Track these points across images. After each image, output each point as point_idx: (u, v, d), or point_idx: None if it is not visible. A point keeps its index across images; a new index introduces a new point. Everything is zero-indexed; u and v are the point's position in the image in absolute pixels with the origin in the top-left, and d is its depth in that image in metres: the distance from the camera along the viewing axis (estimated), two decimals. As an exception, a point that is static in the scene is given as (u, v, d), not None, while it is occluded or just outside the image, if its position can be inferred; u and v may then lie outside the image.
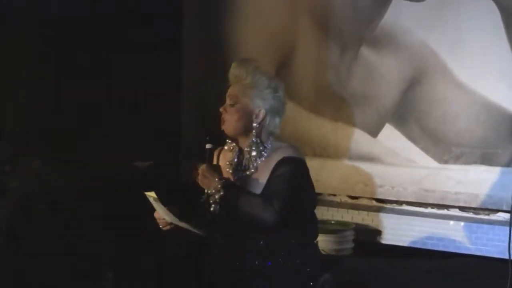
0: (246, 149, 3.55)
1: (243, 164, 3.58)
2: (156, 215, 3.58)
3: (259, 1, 5.43)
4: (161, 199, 3.48)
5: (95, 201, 4.21)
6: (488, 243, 4.61)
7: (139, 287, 4.36)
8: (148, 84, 5.40)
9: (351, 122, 5.06)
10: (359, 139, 5.03)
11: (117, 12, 5.27)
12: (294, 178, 3.46)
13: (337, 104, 5.10)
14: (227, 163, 3.61)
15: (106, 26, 5.21)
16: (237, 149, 3.62)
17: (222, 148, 3.68)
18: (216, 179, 3.40)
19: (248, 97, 3.53)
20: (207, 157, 3.48)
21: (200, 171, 3.42)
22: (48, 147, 4.69)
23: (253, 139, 3.54)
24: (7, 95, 4.97)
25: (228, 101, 3.53)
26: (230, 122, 3.52)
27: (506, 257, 4.17)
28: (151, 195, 3.47)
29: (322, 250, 4.49)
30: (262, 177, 3.50)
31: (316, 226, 3.67)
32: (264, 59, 5.04)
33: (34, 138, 4.98)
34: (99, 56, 5.18)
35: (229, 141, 3.62)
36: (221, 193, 3.38)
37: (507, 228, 4.40)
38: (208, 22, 5.66)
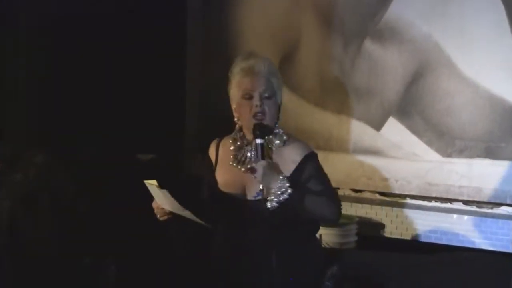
0: (269, 137, 3.54)
1: (246, 155, 3.58)
2: (154, 204, 3.56)
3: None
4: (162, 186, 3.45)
5: (98, 195, 4.21)
6: (491, 236, 4.61)
7: (141, 281, 4.36)
8: (152, 79, 5.41)
9: (354, 115, 5.05)
10: (363, 132, 5.02)
11: (121, 10, 5.28)
12: (323, 171, 3.56)
13: (340, 97, 5.09)
14: (231, 156, 3.61)
15: (110, 23, 5.22)
16: (243, 140, 3.61)
17: (222, 138, 3.68)
18: (281, 177, 3.37)
19: (279, 88, 3.56)
20: (260, 152, 3.42)
21: (258, 167, 3.37)
22: (52, 144, 4.70)
23: (278, 130, 3.57)
24: (10, 91, 4.98)
25: (263, 93, 3.50)
26: (270, 115, 3.51)
27: (510, 250, 4.19)
28: (152, 183, 3.44)
29: (326, 243, 4.49)
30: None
31: (317, 220, 3.68)
32: (268, 53, 5.02)
33: (37, 132, 4.99)
34: (103, 54, 5.19)
35: (235, 135, 3.62)
36: (289, 191, 3.35)
37: (511, 222, 4.42)
38: (211, 16, 5.65)
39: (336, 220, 3.52)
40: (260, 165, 3.36)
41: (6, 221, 3.72)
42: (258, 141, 3.43)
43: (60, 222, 3.82)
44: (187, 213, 3.47)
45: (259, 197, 3.42)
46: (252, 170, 3.38)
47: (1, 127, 4.70)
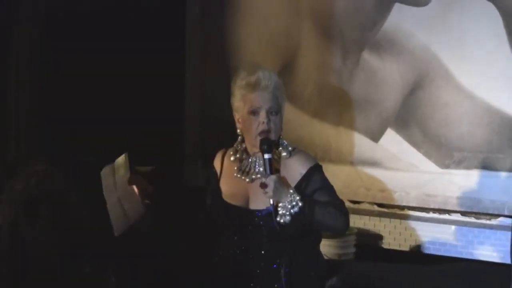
0: (276, 151, 3.54)
1: (250, 166, 3.59)
2: None
3: (262, 5, 5.42)
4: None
5: (98, 206, 4.20)
6: (489, 248, 4.61)
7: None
8: (151, 87, 5.41)
9: (353, 126, 5.05)
10: (361, 143, 5.02)
11: (119, 14, 5.28)
12: (329, 182, 3.56)
13: (339, 108, 5.10)
14: (236, 168, 3.61)
15: (109, 33, 5.23)
16: (243, 153, 3.61)
17: (227, 149, 3.68)
18: (291, 191, 3.39)
19: (283, 101, 3.57)
20: (268, 167, 3.42)
21: (269, 182, 3.37)
22: (50, 150, 4.69)
23: (283, 141, 3.58)
24: (10, 97, 4.98)
25: (269, 110, 3.49)
26: (276, 131, 3.52)
27: (508, 262, 4.17)
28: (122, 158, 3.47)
29: (324, 254, 4.48)
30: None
31: (320, 231, 3.69)
32: (267, 64, 5.04)
33: (37, 141, 4.99)
34: (101, 60, 5.19)
35: (237, 146, 3.63)
36: (300, 205, 3.36)
37: (509, 233, 4.40)
38: (211, 26, 5.66)
39: (345, 230, 3.56)
40: (271, 180, 3.37)
41: (7, 230, 3.71)
42: (266, 156, 3.42)
43: (61, 231, 3.81)
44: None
45: (270, 211, 3.41)
46: (263, 185, 3.37)
47: (1, 134, 4.71)
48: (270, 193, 3.36)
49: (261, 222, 3.46)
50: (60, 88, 5.13)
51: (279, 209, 3.38)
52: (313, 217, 3.37)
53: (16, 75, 5.05)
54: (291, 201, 3.36)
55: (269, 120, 3.48)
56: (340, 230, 3.56)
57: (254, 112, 3.49)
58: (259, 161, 3.53)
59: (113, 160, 3.74)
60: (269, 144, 3.44)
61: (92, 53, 5.18)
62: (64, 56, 5.12)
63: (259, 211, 3.49)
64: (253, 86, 3.49)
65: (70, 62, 5.11)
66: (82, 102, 5.15)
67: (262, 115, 3.48)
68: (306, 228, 3.41)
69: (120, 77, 5.26)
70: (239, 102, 3.54)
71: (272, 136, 3.49)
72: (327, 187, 3.52)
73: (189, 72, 5.72)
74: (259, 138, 3.47)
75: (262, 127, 3.47)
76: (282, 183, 3.40)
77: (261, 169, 3.51)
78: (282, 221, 3.37)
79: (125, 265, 4.21)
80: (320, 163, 3.64)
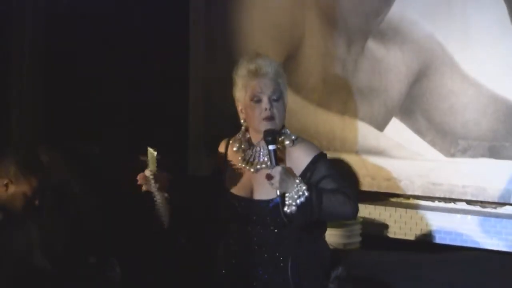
0: (279, 140, 3.53)
1: (254, 156, 3.58)
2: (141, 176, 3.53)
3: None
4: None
5: (103, 194, 4.22)
6: (495, 236, 4.60)
7: (145, 281, 4.36)
8: (155, 77, 5.41)
9: (357, 115, 5.04)
10: (366, 132, 5.02)
11: (123, 10, 5.29)
12: (334, 169, 3.54)
13: (343, 98, 5.09)
14: (240, 158, 3.60)
15: (114, 24, 5.23)
16: (248, 143, 3.61)
17: (231, 138, 3.67)
18: (297, 181, 3.37)
19: (285, 88, 3.55)
20: (274, 158, 3.40)
21: (275, 173, 3.34)
22: (56, 139, 4.70)
23: (285, 130, 3.56)
24: (13, 88, 4.99)
25: (271, 96, 3.48)
26: (279, 118, 3.50)
27: (514, 250, 4.18)
28: (152, 151, 3.47)
29: (330, 244, 4.47)
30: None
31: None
32: (271, 53, 5.03)
33: (40, 132, 5.00)
34: (104, 50, 5.19)
35: (241, 136, 3.61)
36: (306, 194, 3.35)
37: (514, 221, 4.42)
38: (215, 15, 5.65)
39: (355, 216, 3.51)
40: (277, 172, 3.33)
41: (12, 221, 3.72)
42: (271, 147, 3.40)
43: (65, 221, 3.83)
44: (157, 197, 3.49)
45: (277, 203, 3.39)
46: (269, 177, 3.34)
47: (4, 126, 4.72)
48: (277, 185, 3.33)
49: (267, 213, 3.45)
50: (63, 78, 5.13)
51: (285, 198, 3.36)
52: (321, 206, 3.35)
53: (19, 64, 5.05)
54: (298, 191, 3.33)
55: (271, 106, 3.46)
56: (350, 216, 3.50)
57: (256, 99, 3.48)
58: (263, 150, 3.52)
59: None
60: (273, 135, 3.42)
61: (95, 43, 5.18)
62: (66, 43, 5.12)
63: (264, 201, 3.48)
64: (254, 73, 3.48)
65: (72, 50, 5.11)
66: (85, 92, 5.16)
67: (265, 102, 3.47)
68: (314, 217, 3.39)
69: (124, 66, 5.26)
70: (241, 91, 3.53)
71: (276, 123, 3.48)
72: (333, 174, 3.49)
73: (193, 61, 5.71)
74: (263, 123, 3.46)
75: (265, 114, 3.46)
76: (288, 173, 3.37)
77: (265, 159, 3.49)
78: (289, 211, 3.35)
79: (129, 256, 4.22)
80: (325, 152, 3.63)
